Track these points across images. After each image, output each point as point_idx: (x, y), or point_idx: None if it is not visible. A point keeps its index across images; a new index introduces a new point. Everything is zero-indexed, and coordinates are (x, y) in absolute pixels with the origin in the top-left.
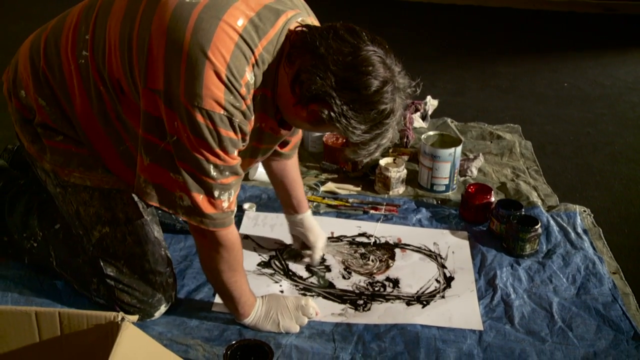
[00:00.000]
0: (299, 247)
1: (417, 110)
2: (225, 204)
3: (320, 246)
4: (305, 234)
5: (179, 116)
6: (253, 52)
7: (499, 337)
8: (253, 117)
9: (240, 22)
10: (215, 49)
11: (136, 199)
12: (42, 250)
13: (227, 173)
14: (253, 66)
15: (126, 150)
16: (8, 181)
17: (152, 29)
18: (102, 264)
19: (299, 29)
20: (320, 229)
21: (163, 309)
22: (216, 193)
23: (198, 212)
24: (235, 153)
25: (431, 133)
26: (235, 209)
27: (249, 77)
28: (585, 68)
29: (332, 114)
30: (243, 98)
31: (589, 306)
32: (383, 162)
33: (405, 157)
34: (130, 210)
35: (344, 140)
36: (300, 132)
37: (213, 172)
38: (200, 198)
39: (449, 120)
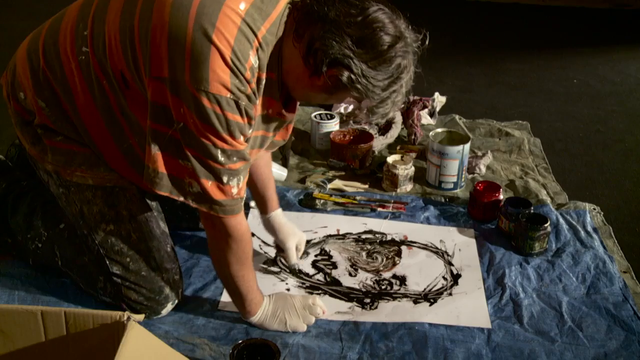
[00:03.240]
0: (276, 247)
1: (424, 107)
2: (234, 190)
3: (290, 246)
4: (275, 233)
5: (186, 102)
6: (256, 36)
7: (508, 337)
8: (259, 102)
9: (243, 6)
10: (219, 33)
11: (139, 195)
12: (47, 250)
13: (234, 158)
14: (257, 50)
15: (130, 148)
16: (11, 182)
17: (153, 17)
18: (108, 262)
19: (300, 3)
20: (294, 228)
21: (170, 306)
22: (225, 178)
23: (207, 199)
24: (242, 138)
25: (439, 130)
26: (245, 195)
27: (253, 60)
28: (595, 64)
29: (352, 75)
30: (248, 82)
31: (599, 306)
32: (391, 159)
33: (413, 155)
34: (134, 207)
35: (351, 138)
36: (287, 131)
37: (221, 157)
38: (209, 184)
39: (457, 117)
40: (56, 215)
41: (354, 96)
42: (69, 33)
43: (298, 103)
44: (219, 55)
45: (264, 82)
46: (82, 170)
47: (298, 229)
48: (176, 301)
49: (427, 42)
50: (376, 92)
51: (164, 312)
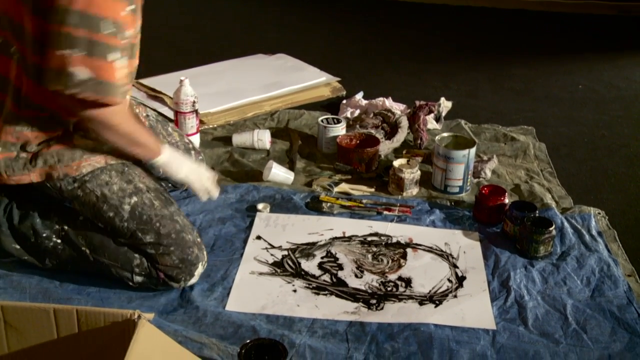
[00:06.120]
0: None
1: (430, 111)
2: (118, 73)
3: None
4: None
5: None
6: None
7: (513, 339)
8: None
9: None
10: None
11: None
12: (70, 244)
13: (119, 34)
14: None
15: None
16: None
17: None
18: (140, 234)
19: None
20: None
21: (200, 268)
22: (110, 56)
23: (97, 83)
24: (127, 7)
25: (445, 134)
26: (130, 90)
27: None
28: (601, 70)
29: None
30: None
31: (603, 308)
32: (397, 163)
33: (419, 159)
34: (147, 181)
35: (358, 142)
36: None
37: (106, 29)
38: (97, 64)
39: (462, 122)
40: (72, 211)
41: None
42: None
43: None
44: None
45: None
46: (86, 159)
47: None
48: (204, 263)
49: None
50: None
51: (197, 273)
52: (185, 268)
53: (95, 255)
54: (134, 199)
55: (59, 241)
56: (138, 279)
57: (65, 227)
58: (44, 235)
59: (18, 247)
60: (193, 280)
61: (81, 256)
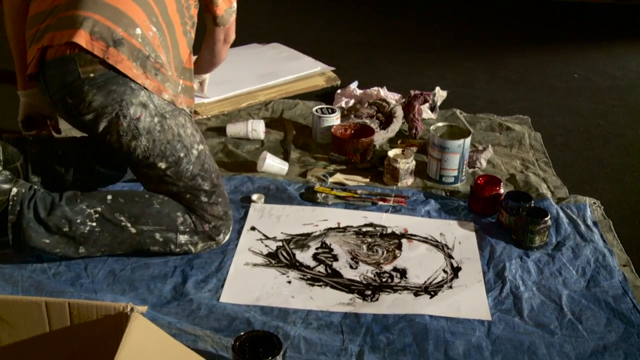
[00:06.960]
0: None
1: (425, 101)
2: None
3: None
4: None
5: None
6: None
7: (508, 330)
8: None
9: None
10: None
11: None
12: (107, 222)
13: None
14: None
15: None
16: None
17: None
18: (200, 180)
19: None
20: None
21: (231, 226)
22: None
23: (234, 9)
24: None
25: (440, 124)
26: None
27: None
28: (596, 59)
29: None
30: None
31: (598, 299)
32: (392, 153)
33: (414, 149)
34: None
35: (353, 132)
36: None
37: None
38: (233, 2)
39: (457, 111)
40: (96, 193)
41: None
42: None
43: None
44: None
45: None
46: (165, 89)
47: None
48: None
49: None
50: None
51: (229, 232)
52: (227, 221)
53: (137, 225)
54: (201, 146)
55: (94, 224)
56: (181, 238)
57: (98, 209)
58: (78, 221)
59: (48, 241)
60: (227, 238)
61: (121, 232)
